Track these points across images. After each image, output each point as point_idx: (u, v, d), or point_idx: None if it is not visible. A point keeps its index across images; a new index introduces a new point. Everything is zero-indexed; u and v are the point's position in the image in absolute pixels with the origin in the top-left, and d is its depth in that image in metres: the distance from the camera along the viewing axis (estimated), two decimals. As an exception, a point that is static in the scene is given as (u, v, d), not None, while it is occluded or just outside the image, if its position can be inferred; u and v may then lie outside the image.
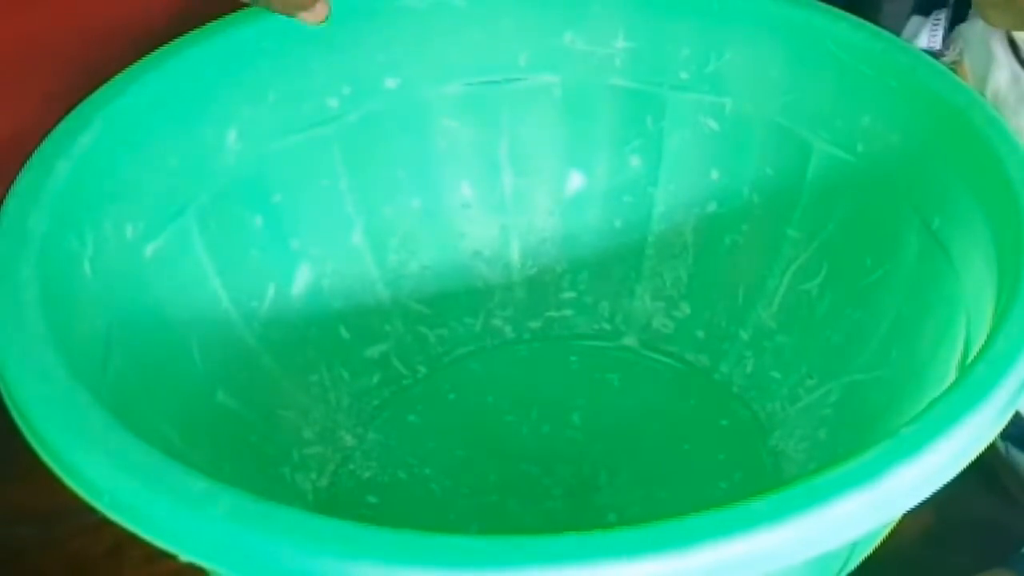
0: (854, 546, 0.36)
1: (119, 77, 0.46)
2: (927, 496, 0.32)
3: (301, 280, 0.53)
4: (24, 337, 0.35)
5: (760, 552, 0.29)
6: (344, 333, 0.53)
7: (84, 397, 0.34)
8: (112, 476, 0.31)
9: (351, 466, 0.50)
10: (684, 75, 0.52)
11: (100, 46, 0.49)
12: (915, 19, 0.53)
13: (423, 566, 0.29)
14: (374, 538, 0.30)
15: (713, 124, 0.52)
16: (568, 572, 0.29)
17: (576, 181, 0.56)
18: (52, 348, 0.35)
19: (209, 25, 0.49)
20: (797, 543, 0.30)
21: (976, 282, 0.41)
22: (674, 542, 0.29)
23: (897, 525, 0.39)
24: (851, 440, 0.45)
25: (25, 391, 0.34)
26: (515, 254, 0.56)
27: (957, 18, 0.53)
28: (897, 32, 0.48)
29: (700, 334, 0.54)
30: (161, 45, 0.47)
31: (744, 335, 0.53)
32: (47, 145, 0.43)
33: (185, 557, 0.30)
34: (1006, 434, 0.50)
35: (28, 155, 0.42)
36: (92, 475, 0.31)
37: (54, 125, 0.43)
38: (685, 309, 0.55)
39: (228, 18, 0.49)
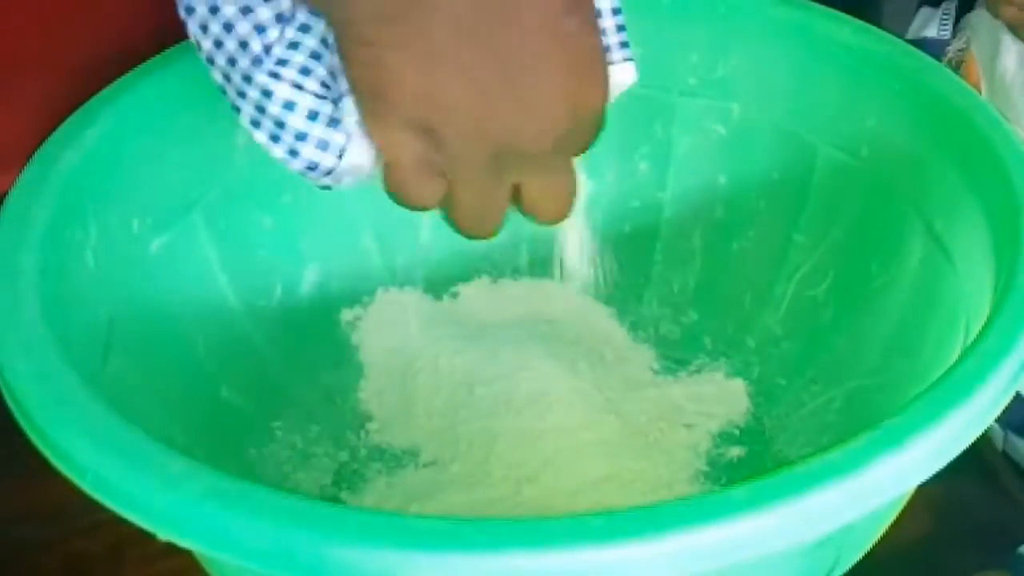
0: (841, 545, 0.36)
1: (131, 74, 0.47)
2: (908, 489, 0.31)
3: (309, 280, 0.53)
4: (18, 320, 0.36)
5: (737, 539, 0.29)
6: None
7: (71, 378, 0.34)
8: (94, 454, 0.31)
9: (355, 466, 0.51)
10: (692, 80, 0.52)
11: (107, 46, 0.49)
12: (925, 10, 0.53)
13: (396, 547, 0.29)
14: (347, 518, 0.30)
15: (721, 129, 0.52)
16: (543, 556, 0.29)
17: (585, 185, 0.55)
18: (45, 331, 0.36)
19: (221, 26, 0.49)
20: (774, 531, 0.30)
21: (976, 285, 0.40)
22: (649, 527, 0.29)
23: (896, 525, 0.38)
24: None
25: (15, 370, 0.34)
26: (524, 258, 0.56)
27: (964, 8, 0.53)
28: (900, 31, 0.48)
29: (707, 340, 0.54)
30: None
31: (751, 342, 0.53)
32: (56, 137, 0.43)
33: (163, 537, 0.30)
34: (1006, 421, 0.49)
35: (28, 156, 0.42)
36: (75, 453, 0.32)
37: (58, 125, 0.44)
38: (692, 315, 0.54)
39: (239, 19, 0.50)
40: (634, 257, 0.55)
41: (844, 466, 0.30)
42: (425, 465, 0.50)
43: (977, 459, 0.32)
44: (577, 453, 0.46)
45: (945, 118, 0.44)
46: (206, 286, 0.49)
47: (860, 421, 0.46)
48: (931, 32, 0.53)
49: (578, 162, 0.55)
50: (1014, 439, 0.52)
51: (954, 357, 0.40)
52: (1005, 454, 0.55)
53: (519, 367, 0.49)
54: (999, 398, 0.33)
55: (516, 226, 0.55)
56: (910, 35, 0.58)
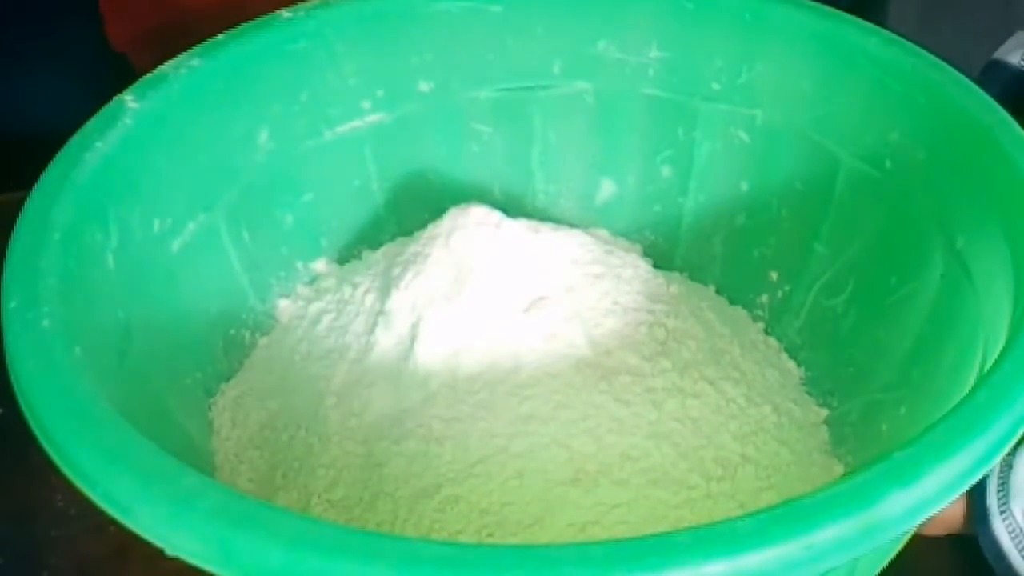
0: (851, 572, 0.36)
1: (151, 75, 0.47)
2: (916, 523, 0.31)
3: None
4: (37, 326, 0.36)
5: (740, 572, 0.29)
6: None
7: (87, 388, 0.34)
8: (106, 469, 0.32)
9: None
10: (716, 86, 0.51)
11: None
12: (1020, 35, 0.52)
13: (404, 572, 0.29)
14: (356, 541, 0.30)
15: (744, 136, 0.52)
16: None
17: (607, 189, 0.55)
18: (63, 338, 0.36)
19: (243, 26, 0.49)
20: (779, 564, 0.29)
21: (995, 304, 0.40)
22: (653, 557, 0.29)
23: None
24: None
25: (31, 379, 0.34)
26: (544, 261, 0.56)
27: None
28: (903, 33, 0.47)
29: (725, 347, 0.53)
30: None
31: (770, 350, 0.52)
32: (77, 139, 0.43)
33: (171, 553, 0.31)
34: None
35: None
36: (86, 465, 0.32)
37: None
38: (711, 321, 0.54)
39: (262, 19, 0.50)
40: (654, 261, 0.55)
41: (852, 500, 0.30)
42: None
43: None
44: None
45: (969, 134, 0.43)
46: (227, 285, 0.50)
47: (875, 436, 0.46)
48: (1014, 59, 0.52)
49: (601, 165, 0.55)
50: None
51: (971, 377, 0.40)
52: None
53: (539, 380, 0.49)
54: (1013, 429, 0.33)
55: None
56: (997, 55, 0.56)
